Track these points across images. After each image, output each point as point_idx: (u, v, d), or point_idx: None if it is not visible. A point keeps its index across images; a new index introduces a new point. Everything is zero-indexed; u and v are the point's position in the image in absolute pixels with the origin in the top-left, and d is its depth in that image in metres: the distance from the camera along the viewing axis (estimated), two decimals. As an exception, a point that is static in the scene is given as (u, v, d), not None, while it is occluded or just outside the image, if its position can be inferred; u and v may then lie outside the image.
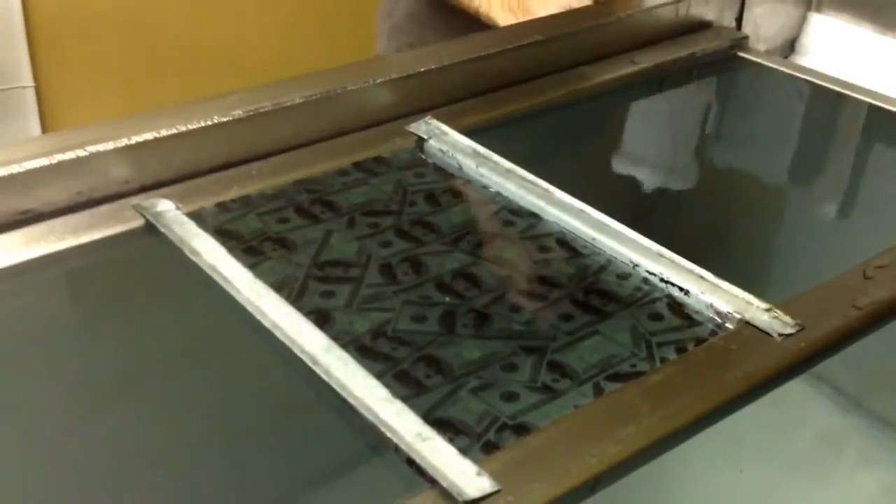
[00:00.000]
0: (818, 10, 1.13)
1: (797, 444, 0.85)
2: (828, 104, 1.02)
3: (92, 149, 0.73)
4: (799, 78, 1.02)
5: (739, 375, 0.57)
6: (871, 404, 0.86)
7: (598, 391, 0.58)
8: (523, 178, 0.78)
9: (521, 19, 1.04)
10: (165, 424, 0.60)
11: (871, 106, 0.97)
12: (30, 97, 1.93)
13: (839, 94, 0.99)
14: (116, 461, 0.58)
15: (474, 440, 0.55)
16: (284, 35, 2.15)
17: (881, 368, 0.85)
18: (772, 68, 1.04)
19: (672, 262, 0.68)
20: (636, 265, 0.69)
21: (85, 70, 1.95)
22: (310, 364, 0.57)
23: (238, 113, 0.79)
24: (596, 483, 0.51)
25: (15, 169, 0.70)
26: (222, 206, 0.74)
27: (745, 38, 1.07)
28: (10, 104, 1.91)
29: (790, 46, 1.15)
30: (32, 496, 0.56)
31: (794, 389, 0.72)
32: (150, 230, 0.71)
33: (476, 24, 1.07)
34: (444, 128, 0.84)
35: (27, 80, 1.91)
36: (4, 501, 0.55)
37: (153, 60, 2.01)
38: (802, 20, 1.14)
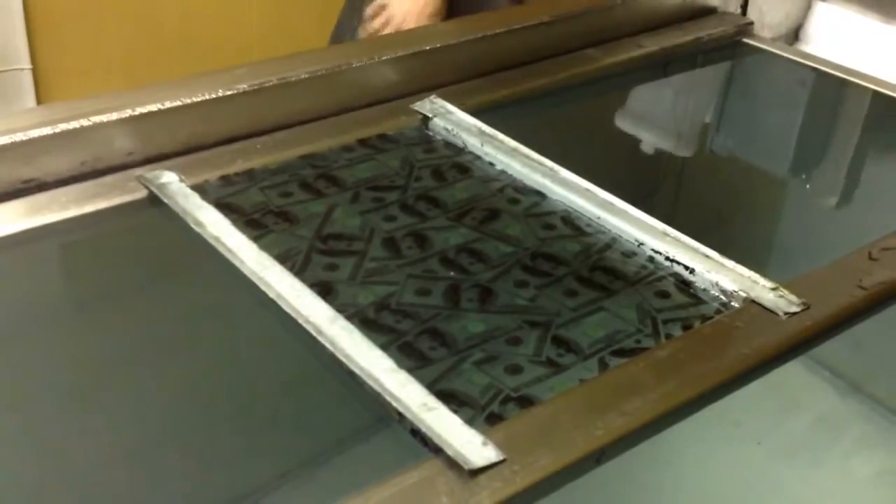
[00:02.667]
0: (823, -2, 1.13)
1: (794, 427, 0.85)
2: (832, 90, 1.02)
3: (96, 119, 0.72)
4: (803, 64, 1.02)
5: (745, 352, 0.57)
6: (869, 388, 0.87)
7: (604, 366, 0.58)
8: (528, 157, 0.78)
9: None
10: (170, 395, 0.60)
11: (874, 93, 0.97)
12: (27, 79, 1.92)
13: (843, 81, 0.99)
14: (120, 432, 0.58)
15: (478, 412, 0.55)
16: (282, 18, 2.14)
17: (880, 352, 0.85)
18: (777, 54, 1.04)
19: (677, 240, 0.68)
20: (641, 244, 0.69)
21: (82, 52, 1.94)
22: (315, 335, 0.57)
23: (243, 87, 0.78)
24: (602, 455, 0.51)
25: (19, 137, 0.70)
26: (226, 180, 0.74)
27: (751, 24, 1.07)
28: (7, 86, 1.90)
29: (795, 34, 1.15)
30: (36, 465, 0.56)
31: (793, 372, 0.72)
32: (154, 201, 0.71)
33: None
34: (450, 107, 0.84)
35: (24, 62, 1.90)
36: (7, 469, 0.55)
37: (150, 43, 2.00)
38: (807, 8, 1.14)
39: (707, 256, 0.66)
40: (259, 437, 0.58)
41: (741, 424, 0.78)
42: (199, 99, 0.76)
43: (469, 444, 0.50)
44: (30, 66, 1.90)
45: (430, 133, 0.83)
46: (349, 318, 0.59)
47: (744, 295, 0.63)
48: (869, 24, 1.10)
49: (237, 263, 0.64)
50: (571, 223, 0.72)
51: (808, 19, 1.14)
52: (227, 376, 0.62)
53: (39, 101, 1.94)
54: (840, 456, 0.84)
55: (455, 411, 0.52)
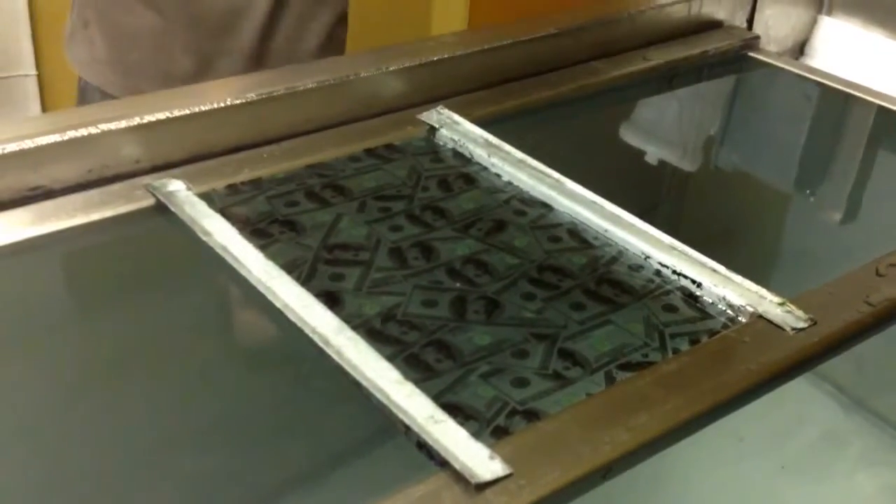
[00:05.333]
0: (829, 13, 1.13)
1: (798, 442, 0.85)
2: (838, 105, 1.02)
3: (104, 127, 0.72)
4: (809, 79, 1.02)
5: (753, 368, 0.57)
6: (873, 404, 0.87)
7: (611, 379, 0.58)
8: (535, 169, 0.78)
9: None
10: (174, 403, 0.60)
11: (879, 107, 0.97)
12: (31, 85, 1.92)
13: (849, 96, 0.99)
14: (126, 441, 0.57)
15: (484, 425, 0.54)
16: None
17: (884, 368, 0.85)
18: (782, 69, 1.04)
19: (684, 254, 0.68)
20: (648, 257, 0.69)
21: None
22: (321, 345, 0.57)
23: (251, 96, 0.78)
24: (609, 470, 0.51)
25: (26, 144, 0.70)
26: (233, 188, 0.74)
27: (757, 38, 1.07)
28: (12, 92, 1.91)
29: (800, 49, 1.15)
30: (38, 473, 0.55)
31: (797, 388, 0.72)
32: (161, 210, 0.71)
33: None
34: (456, 117, 0.84)
35: (29, 68, 1.90)
36: (11, 477, 0.55)
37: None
38: (813, 23, 1.14)
39: (714, 270, 0.66)
40: (263, 447, 0.58)
41: (746, 439, 0.78)
42: (206, 107, 0.76)
43: (476, 457, 0.50)
44: (35, 72, 1.90)
45: (437, 143, 0.83)
46: (355, 328, 0.59)
47: (751, 310, 0.62)
48: (874, 39, 1.10)
49: (244, 273, 0.64)
50: (578, 235, 0.72)
51: (814, 34, 1.14)
52: (233, 386, 0.62)
53: (44, 108, 1.94)
54: (845, 471, 0.84)
55: (461, 424, 0.52)
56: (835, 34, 1.12)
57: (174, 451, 0.57)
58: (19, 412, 0.59)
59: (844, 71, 1.03)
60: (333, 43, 1.07)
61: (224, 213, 0.70)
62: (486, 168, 0.79)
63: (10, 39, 1.86)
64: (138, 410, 0.59)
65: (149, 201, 0.71)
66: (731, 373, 0.57)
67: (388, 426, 0.53)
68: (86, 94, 1.08)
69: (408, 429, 0.52)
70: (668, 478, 0.72)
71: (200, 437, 0.58)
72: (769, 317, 0.62)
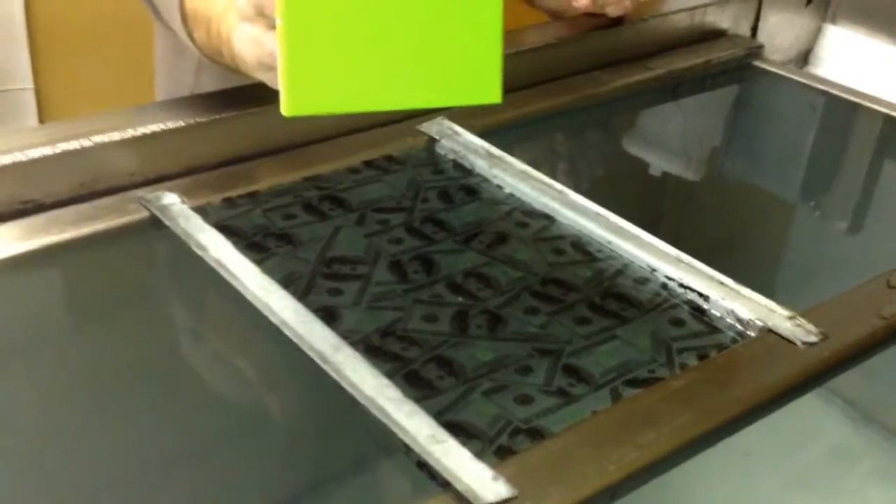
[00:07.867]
0: (833, 21, 1.12)
1: (808, 457, 0.83)
2: (843, 114, 1.01)
3: (97, 139, 0.71)
4: (814, 87, 1.01)
5: (763, 383, 0.56)
6: (884, 419, 0.85)
7: (617, 396, 0.56)
8: (537, 180, 0.77)
9: None
10: (170, 422, 0.58)
11: (886, 116, 0.96)
12: (29, 99, 1.91)
13: (854, 105, 0.98)
14: (119, 459, 0.56)
15: (487, 444, 0.53)
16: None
17: (895, 382, 0.83)
18: (787, 77, 1.03)
19: (691, 267, 0.66)
20: (654, 270, 0.67)
21: (85, 73, 1.93)
22: (319, 362, 0.56)
23: (247, 107, 0.77)
24: (616, 490, 0.49)
25: (17, 157, 0.68)
26: (229, 202, 0.73)
27: (761, 46, 1.06)
28: (10, 106, 1.89)
29: (804, 58, 1.14)
30: (31, 493, 0.54)
31: (807, 403, 0.71)
32: (155, 223, 0.69)
33: None
34: (457, 128, 0.83)
35: (27, 82, 1.89)
36: (6, 497, 0.54)
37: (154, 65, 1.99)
38: (817, 31, 1.13)
39: (722, 283, 0.65)
40: (259, 467, 0.56)
41: (754, 455, 0.76)
42: (202, 119, 0.75)
43: (479, 478, 0.48)
44: (32, 85, 1.89)
45: (438, 155, 0.81)
46: (353, 344, 0.58)
47: (760, 324, 0.61)
48: (879, 47, 1.09)
49: (240, 288, 0.62)
50: (582, 248, 0.70)
51: (818, 42, 1.13)
52: (228, 404, 0.60)
53: (41, 121, 1.93)
54: (855, 487, 0.82)
55: (463, 444, 0.51)
56: (839, 43, 1.11)
57: (168, 469, 0.56)
58: (10, 428, 0.57)
59: (849, 79, 1.02)
60: None
61: (219, 226, 0.68)
62: (487, 179, 0.78)
63: (7, 53, 1.85)
64: (131, 428, 0.58)
65: (142, 215, 0.70)
66: (741, 388, 0.56)
67: (387, 446, 0.52)
68: None
69: (408, 448, 0.50)
70: (679, 497, 0.71)
71: (194, 456, 0.57)
72: (779, 331, 0.60)
